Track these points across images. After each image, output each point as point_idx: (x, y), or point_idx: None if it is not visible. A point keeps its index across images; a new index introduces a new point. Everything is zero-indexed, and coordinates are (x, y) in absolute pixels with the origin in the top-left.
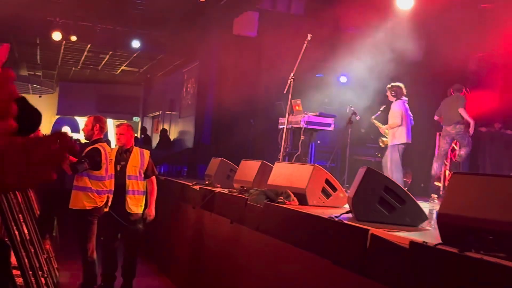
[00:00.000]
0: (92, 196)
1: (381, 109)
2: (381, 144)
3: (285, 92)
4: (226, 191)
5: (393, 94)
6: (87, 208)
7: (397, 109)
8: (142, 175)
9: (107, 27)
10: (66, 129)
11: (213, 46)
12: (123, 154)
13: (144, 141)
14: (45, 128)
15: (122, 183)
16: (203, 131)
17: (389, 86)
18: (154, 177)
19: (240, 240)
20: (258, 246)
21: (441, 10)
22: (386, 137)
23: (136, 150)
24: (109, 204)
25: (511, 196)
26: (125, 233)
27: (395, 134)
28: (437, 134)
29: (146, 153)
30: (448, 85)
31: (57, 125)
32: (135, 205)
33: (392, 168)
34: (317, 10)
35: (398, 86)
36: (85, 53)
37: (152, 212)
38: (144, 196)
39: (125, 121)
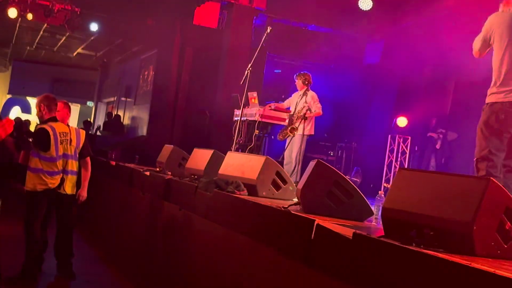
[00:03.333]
0: (44, 177)
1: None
2: (290, 133)
3: (241, 83)
4: (176, 178)
5: (305, 83)
6: (38, 190)
7: (317, 97)
8: (77, 155)
9: (65, 7)
10: (16, 109)
11: (173, 34)
12: None
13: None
14: None
15: None
16: (158, 119)
17: (300, 74)
18: (89, 158)
19: (189, 227)
20: (207, 234)
21: (400, 14)
22: (294, 128)
23: (72, 129)
24: (65, 185)
25: (453, 194)
26: (58, 214)
27: (309, 124)
28: (389, 136)
29: (82, 132)
30: (403, 89)
31: (8, 104)
32: (69, 186)
33: (298, 159)
34: (279, 5)
35: (308, 74)
36: (41, 33)
37: (85, 193)
38: (77, 177)
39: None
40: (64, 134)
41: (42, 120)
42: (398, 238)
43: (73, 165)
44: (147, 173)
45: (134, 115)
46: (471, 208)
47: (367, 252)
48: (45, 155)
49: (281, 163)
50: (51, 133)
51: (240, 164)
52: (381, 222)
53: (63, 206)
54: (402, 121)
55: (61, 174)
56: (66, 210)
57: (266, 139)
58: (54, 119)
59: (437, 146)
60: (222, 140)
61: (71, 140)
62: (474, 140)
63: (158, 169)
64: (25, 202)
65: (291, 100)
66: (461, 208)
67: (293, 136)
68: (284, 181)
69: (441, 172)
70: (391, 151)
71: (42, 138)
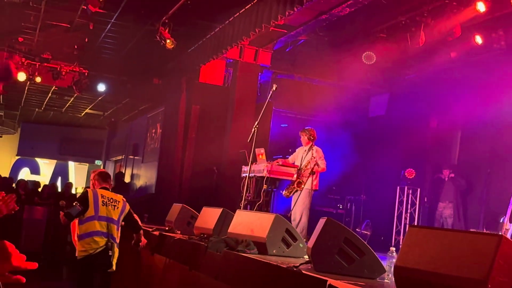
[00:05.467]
0: (84, 242)
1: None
2: (297, 187)
3: (248, 140)
4: (186, 237)
5: (311, 138)
6: (78, 257)
7: (322, 153)
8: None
9: (73, 69)
10: (25, 170)
11: (179, 92)
12: None
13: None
14: (4, 168)
15: None
16: (166, 176)
17: (304, 130)
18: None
19: None
20: None
21: (403, 66)
22: (301, 182)
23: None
24: (114, 254)
25: (465, 251)
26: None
27: (316, 179)
28: (397, 187)
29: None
30: (410, 140)
31: (17, 166)
32: (115, 257)
33: (304, 213)
34: (283, 61)
35: (313, 130)
36: (50, 95)
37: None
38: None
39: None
40: (111, 200)
41: None
42: None
43: (118, 234)
44: (156, 233)
45: (142, 173)
46: (485, 266)
47: None
48: (86, 216)
49: (290, 219)
50: (90, 193)
51: (249, 222)
52: (393, 280)
53: (105, 279)
54: (410, 172)
55: (106, 238)
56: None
57: (274, 194)
58: (103, 188)
59: (445, 178)
60: (231, 197)
61: (118, 208)
62: (486, 190)
63: (167, 228)
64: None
65: (296, 155)
66: (474, 266)
67: (301, 190)
68: (294, 238)
69: (452, 229)
70: (401, 202)
71: (80, 197)
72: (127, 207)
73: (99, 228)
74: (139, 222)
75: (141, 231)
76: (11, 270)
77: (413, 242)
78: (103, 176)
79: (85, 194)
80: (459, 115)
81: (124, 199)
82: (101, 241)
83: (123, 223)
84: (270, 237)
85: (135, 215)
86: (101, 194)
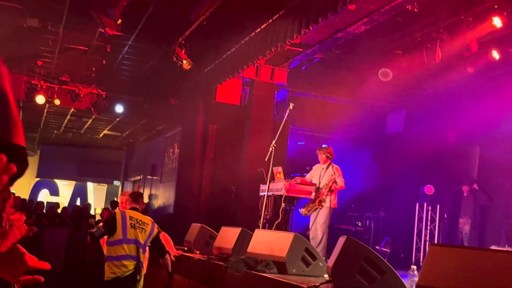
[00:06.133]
0: (112, 265)
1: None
2: (318, 206)
3: (266, 159)
4: (205, 257)
5: (329, 157)
6: (106, 279)
7: (341, 171)
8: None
9: (91, 91)
10: (45, 192)
11: (196, 112)
12: None
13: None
14: (24, 191)
15: None
16: (184, 196)
17: (322, 148)
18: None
19: None
20: None
21: (420, 82)
22: (321, 200)
23: (152, 223)
24: (141, 278)
25: (487, 270)
26: None
27: (335, 197)
28: (417, 204)
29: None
30: (429, 156)
31: (36, 188)
32: (142, 280)
33: (324, 231)
34: (300, 80)
35: (330, 148)
36: (68, 117)
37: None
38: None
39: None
40: (140, 222)
41: None
42: None
43: (145, 258)
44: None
45: (161, 193)
46: (508, 284)
47: None
48: (114, 239)
49: (308, 238)
50: (118, 215)
51: (268, 242)
52: None
53: None
54: (429, 189)
55: (135, 261)
56: None
57: (293, 213)
58: (133, 209)
59: (465, 194)
60: (249, 215)
61: (146, 231)
62: (506, 205)
63: (185, 248)
64: None
65: (313, 174)
66: (497, 285)
67: (321, 208)
68: (314, 257)
69: (473, 247)
70: (420, 219)
71: (107, 220)
72: (155, 229)
73: (128, 251)
74: (171, 244)
75: (167, 256)
76: (27, 270)
77: (435, 260)
78: (134, 197)
79: (113, 216)
80: (477, 130)
81: (153, 221)
82: (130, 265)
83: (149, 244)
84: (289, 256)
85: (168, 237)
86: (130, 216)
